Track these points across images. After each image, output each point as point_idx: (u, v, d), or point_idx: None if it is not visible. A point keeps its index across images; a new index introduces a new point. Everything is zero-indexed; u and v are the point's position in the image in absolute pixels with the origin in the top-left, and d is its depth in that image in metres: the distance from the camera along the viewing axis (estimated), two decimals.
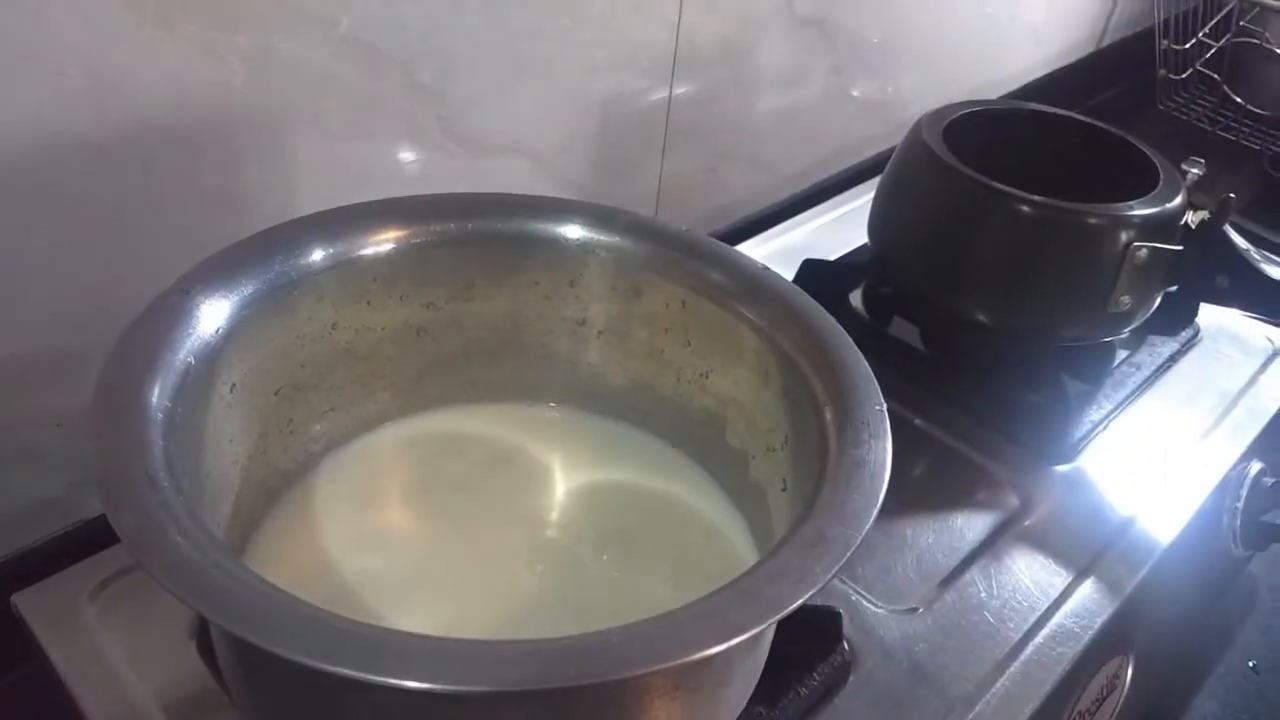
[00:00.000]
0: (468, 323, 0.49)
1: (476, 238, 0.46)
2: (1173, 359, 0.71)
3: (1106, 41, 1.42)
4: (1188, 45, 1.35)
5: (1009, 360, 0.69)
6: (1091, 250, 0.62)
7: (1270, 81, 1.33)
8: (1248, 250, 0.61)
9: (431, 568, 0.45)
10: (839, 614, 0.49)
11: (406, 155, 0.65)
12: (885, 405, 0.40)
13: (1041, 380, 0.65)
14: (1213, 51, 1.37)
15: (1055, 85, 1.34)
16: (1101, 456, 0.64)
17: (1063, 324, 0.64)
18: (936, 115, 0.69)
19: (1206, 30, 1.34)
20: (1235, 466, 0.65)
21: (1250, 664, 0.75)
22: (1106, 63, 1.42)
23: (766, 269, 0.47)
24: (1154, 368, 0.70)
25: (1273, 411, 0.69)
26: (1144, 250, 0.61)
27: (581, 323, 0.50)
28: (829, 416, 0.40)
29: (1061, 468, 0.63)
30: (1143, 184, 0.65)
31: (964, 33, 1.13)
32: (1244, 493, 0.65)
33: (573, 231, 0.48)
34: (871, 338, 0.71)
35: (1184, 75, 1.39)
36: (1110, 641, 0.55)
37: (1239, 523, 0.65)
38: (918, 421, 0.65)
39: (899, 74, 1.06)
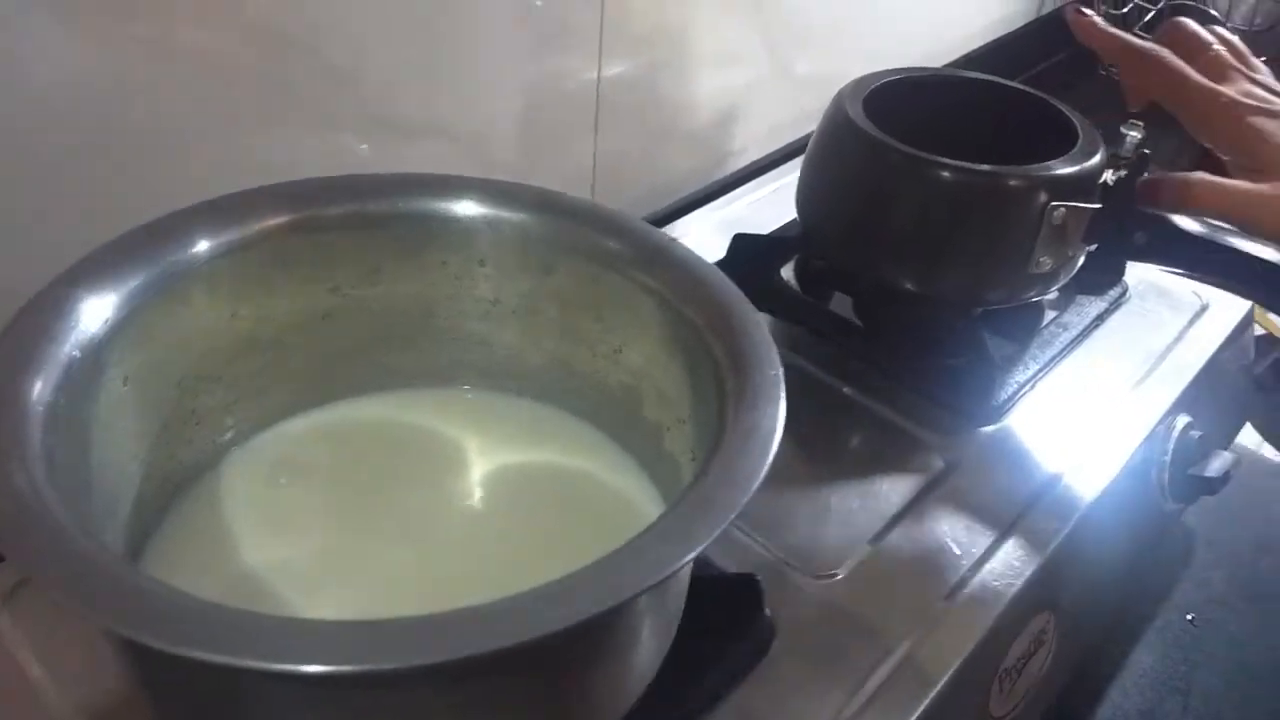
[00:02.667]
0: (377, 307, 0.48)
1: (378, 219, 0.45)
2: (1100, 318, 0.71)
3: (1047, 9, 1.42)
4: (1125, 10, 1.36)
5: (936, 326, 0.68)
6: (1009, 212, 0.61)
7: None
8: None
9: (344, 555, 0.44)
10: (758, 581, 0.49)
11: (321, 141, 0.64)
12: (781, 371, 0.39)
13: (966, 344, 0.65)
14: (1150, 15, 1.37)
15: (996, 54, 1.34)
16: (1028, 416, 0.64)
17: (985, 287, 0.64)
18: (857, 85, 0.68)
19: None
20: (1162, 421, 0.65)
21: (1188, 617, 0.75)
22: (1047, 30, 1.42)
23: (672, 240, 0.46)
24: (1081, 327, 0.70)
25: (1199, 365, 0.69)
26: (1061, 210, 0.60)
27: (494, 302, 0.49)
28: (729, 385, 0.40)
29: (987, 429, 0.63)
30: (1065, 145, 0.65)
31: (899, 5, 1.13)
32: (1171, 446, 0.64)
33: (478, 209, 0.47)
34: (802, 310, 0.70)
35: None
36: (1035, 598, 0.55)
37: (1167, 476, 0.65)
38: (846, 390, 0.65)
39: (837, 48, 1.05)
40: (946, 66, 1.26)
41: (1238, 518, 0.83)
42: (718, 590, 0.49)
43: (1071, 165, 0.62)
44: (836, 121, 0.66)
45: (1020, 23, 1.37)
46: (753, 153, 1.00)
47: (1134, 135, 1.21)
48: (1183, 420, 0.66)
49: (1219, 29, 0.60)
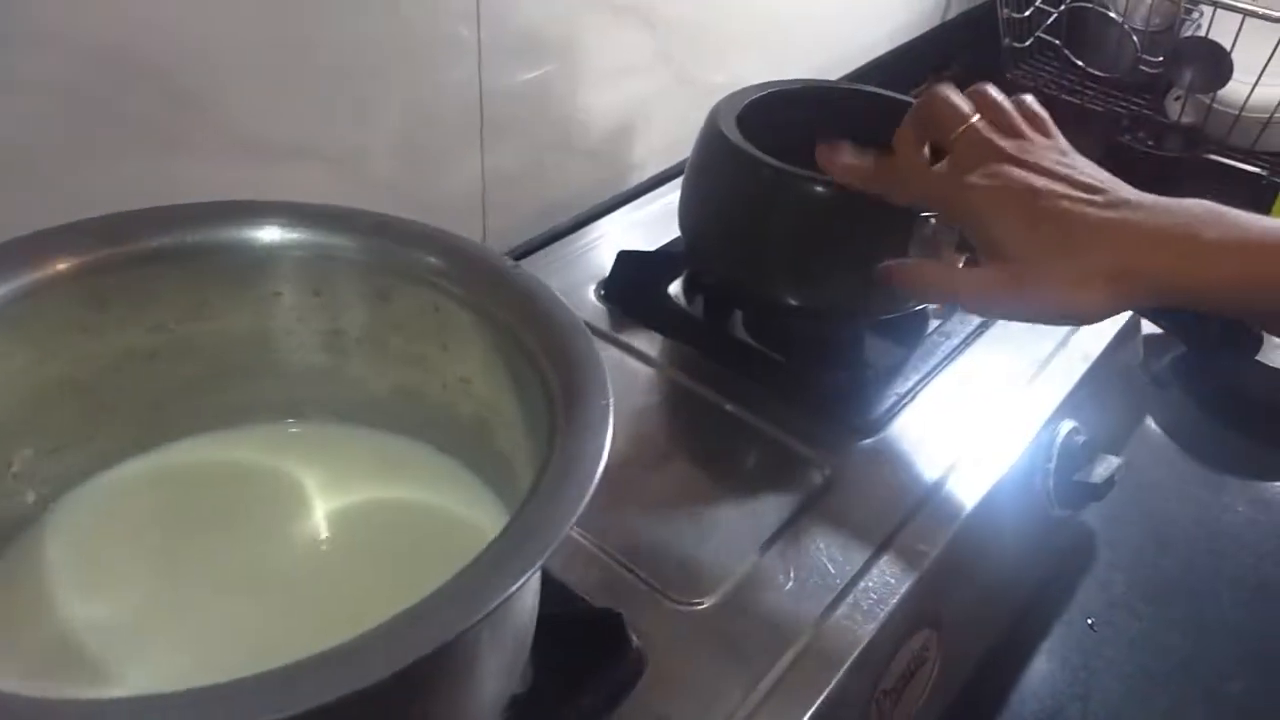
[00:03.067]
0: (207, 343, 0.46)
1: (198, 251, 0.43)
2: (986, 325, 0.71)
3: (951, 14, 1.42)
4: (1027, 13, 1.37)
5: (821, 339, 0.67)
6: (879, 224, 0.60)
7: (1107, 44, 1.35)
8: None
9: (173, 609, 0.42)
10: (618, 615, 0.47)
11: (179, 168, 0.62)
12: (611, 401, 0.38)
13: (846, 356, 0.64)
14: (1052, 18, 1.38)
15: (901, 61, 1.34)
16: (909, 427, 0.63)
17: (861, 300, 0.63)
18: (731, 100, 0.67)
19: None
20: (1045, 427, 0.65)
21: (1089, 621, 0.75)
22: (952, 35, 1.43)
23: (514, 266, 0.45)
24: (964, 335, 0.69)
25: (1083, 370, 0.69)
26: (931, 221, 0.60)
27: (335, 333, 0.47)
28: (559, 418, 0.38)
29: (867, 441, 0.62)
30: None
31: (799, 13, 1.12)
32: (1055, 453, 0.64)
33: (309, 237, 0.45)
34: (687, 327, 0.69)
35: (1027, 43, 1.40)
36: (913, 615, 0.54)
37: (1053, 483, 0.64)
38: (729, 407, 0.64)
39: (732, 58, 1.04)
40: (848, 75, 1.26)
41: (1140, 517, 0.83)
42: (578, 627, 0.47)
43: None
44: (710, 137, 0.65)
45: (925, 28, 1.38)
46: (653, 166, 0.99)
47: None
48: (1067, 426, 0.65)
49: (989, 92, 0.56)
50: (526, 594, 0.38)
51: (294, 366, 0.48)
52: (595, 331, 0.68)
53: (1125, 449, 0.85)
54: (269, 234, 0.44)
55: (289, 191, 0.67)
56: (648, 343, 0.68)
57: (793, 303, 0.64)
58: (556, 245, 0.83)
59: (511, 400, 0.43)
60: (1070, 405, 0.66)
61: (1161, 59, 1.30)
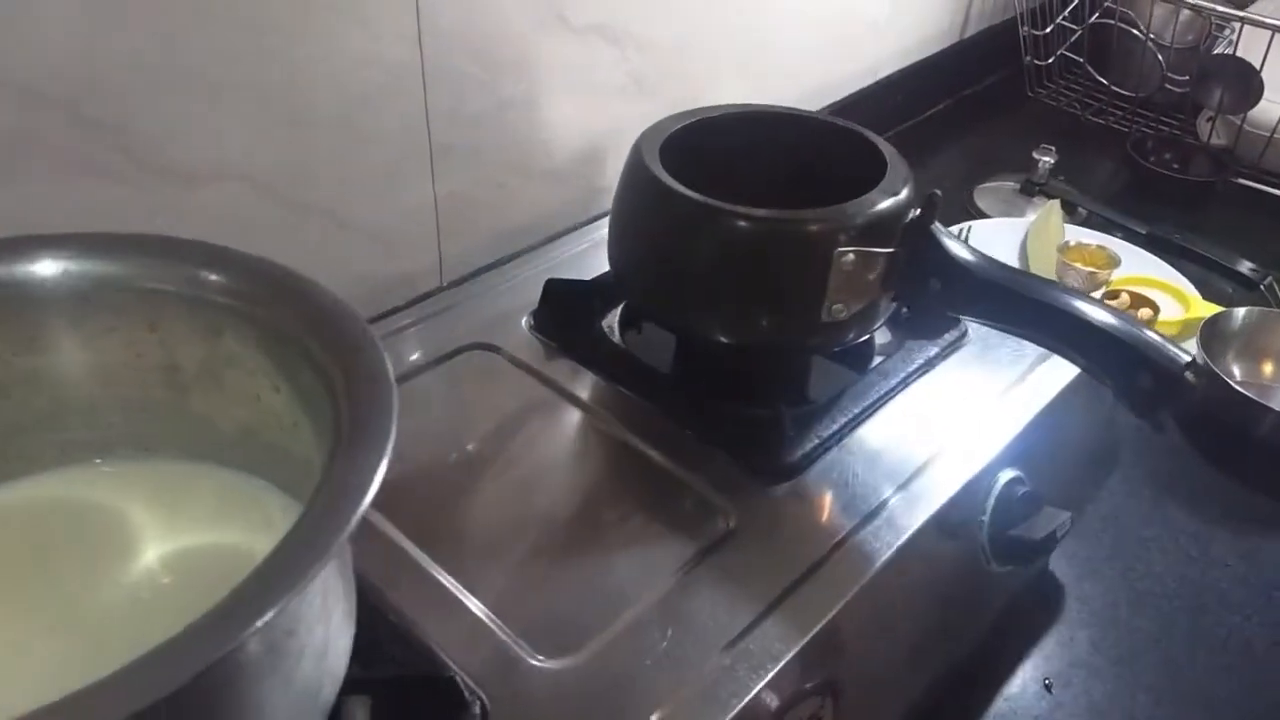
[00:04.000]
0: (46, 378, 0.44)
1: (24, 284, 0.42)
2: (929, 364, 0.66)
3: (970, 32, 1.37)
4: (1048, 30, 1.31)
5: (749, 375, 0.64)
6: (794, 258, 0.57)
7: (1132, 61, 1.29)
8: (956, 248, 0.57)
9: None
10: (452, 680, 0.45)
11: (87, 194, 0.61)
12: (394, 429, 0.36)
13: (769, 395, 0.61)
14: (1076, 36, 1.32)
15: (914, 79, 1.29)
16: (830, 473, 0.59)
17: (780, 336, 0.60)
18: (656, 129, 0.64)
19: (1066, 14, 1.30)
20: (980, 476, 0.60)
21: (1045, 681, 0.70)
22: (971, 54, 1.38)
23: (337, 301, 0.42)
24: (903, 374, 0.65)
25: (1030, 416, 0.64)
26: (850, 255, 0.56)
27: (173, 369, 0.45)
28: (344, 437, 0.36)
29: (781, 487, 0.58)
30: (880, 179, 0.61)
31: (798, 30, 1.09)
32: (990, 505, 0.60)
33: (140, 269, 0.43)
34: (613, 362, 0.66)
35: (1049, 61, 1.34)
36: (799, 682, 0.50)
37: (987, 537, 0.60)
38: (641, 445, 0.61)
39: (709, 79, 1.01)
40: (857, 94, 1.22)
41: (1116, 570, 0.78)
42: (413, 692, 0.44)
43: (865, 207, 0.57)
44: (633, 168, 0.62)
45: (939, 47, 1.33)
46: None
47: (1046, 161, 1.16)
48: (1007, 475, 0.61)
49: None
50: (302, 631, 0.35)
51: (138, 403, 0.46)
52: (516, 363, 0.66)
53: (1095, 499, 0.80)
54: (98, 266, 0.43)
55: (211, 216, 0.68)
56: (570, 376, 0.65)
57: (721, 339, 0.61)
58: (509, 267, 0.81)
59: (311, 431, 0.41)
60: (1013, 453, 0.62)
61: (1188, 78, 1.23)
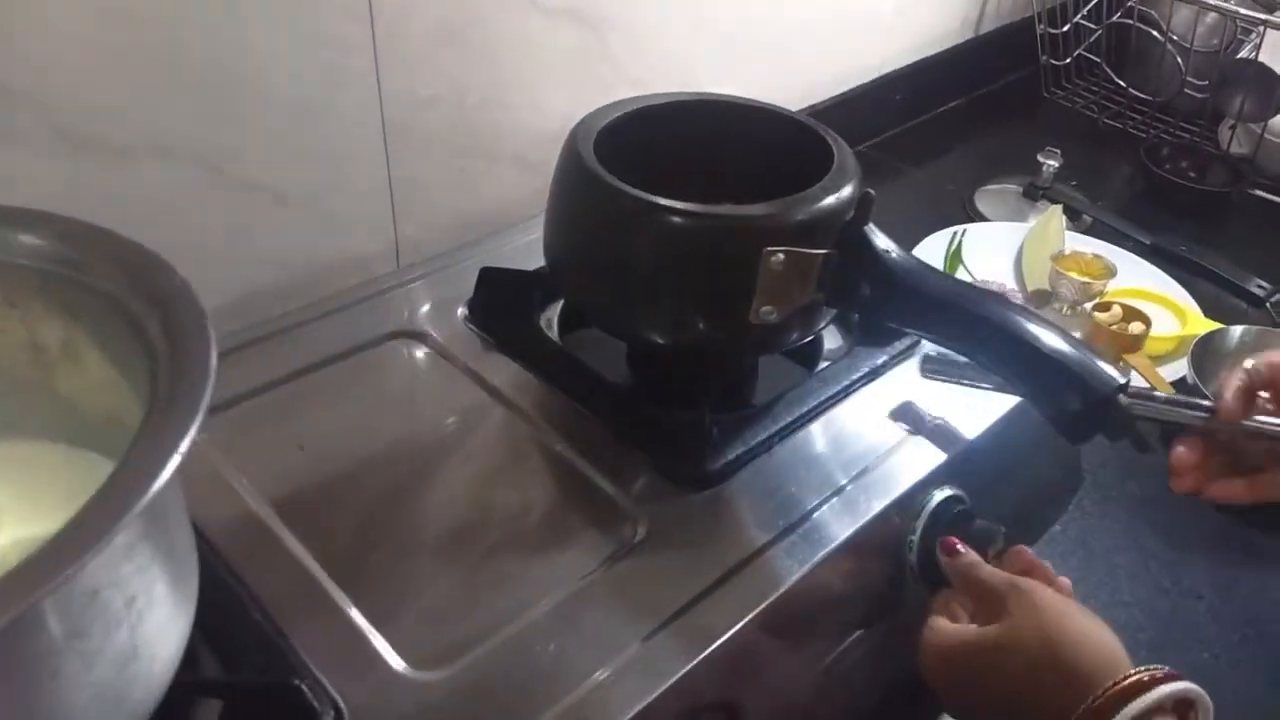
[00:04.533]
0: None
1: None
2: (875, 372, 0.63)
3: (984, 29, 1.33)
4: (1065, 29, 1.27)
5: (677, 378, 0.61)
6: (722, 256, 0.54)
7: (1156, 65, 1.23)
8: (889, 253, 0.53)
9: None
10: (299, 688, 0.42)
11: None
12: (209, 388, 0.33)
13: (698, 398, 0.58)
14: (1095, 36, 1.27)
15: (924, 76, 1.25)
16: (755, 483, 0.56)
17: (709, 337, 0.57)
18: (597, 115, 0.61)
19: (1085, 13, 1.25)
20: (911, 493, 0.57)
21: None
22: (986, 52, 1.33)
23: (156, 259, 0.40)
24: (847, 382, 0.62)
25: (975, 432, 0.60)
26: (780, 255, 0.53)
27: (38, 348, 0.44)
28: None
29: (700, 495, 0.55)
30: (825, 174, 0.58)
31: (797, 22, 1.05)
32: (921, 524, 0.56)
33: None
34: (546, 356, 0.64)
35: (1066, 61, 1.30)
36: (689, 701, 0.47)
37: (915, 557, 0.57)
38: (562, 448, 0.58)
39: (698, 70, 0.98)
40: (860, 89, 1.18)
41: (1077, 598, 0.74)
42: (263, 699, 0.42)
43: (800, 204, 0.54)
44: (567, 158, 0.59)
45: (952, 43, 1.28)
46: None
47: (1051, 164, 1.12)
48: (942, 494, 0.57)
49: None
50: (106, 601, 0.33)
51: (5, 380, 0.44)
52: (442, 354, 0.64)
53: (1063, 519, 0.76)
54: None
55: (147, 192, 0.66)
56: (497, 371, 0.63)
57: (647, 337, 0.59)
58: (469, 253, 0.78)
59: None
60: (953, 469, 0.58)
61: (1208, 83, 1.18)
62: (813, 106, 1.14)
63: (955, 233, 1.05)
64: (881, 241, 0.53)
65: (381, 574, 0.50)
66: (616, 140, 0.60)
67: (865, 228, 0.53)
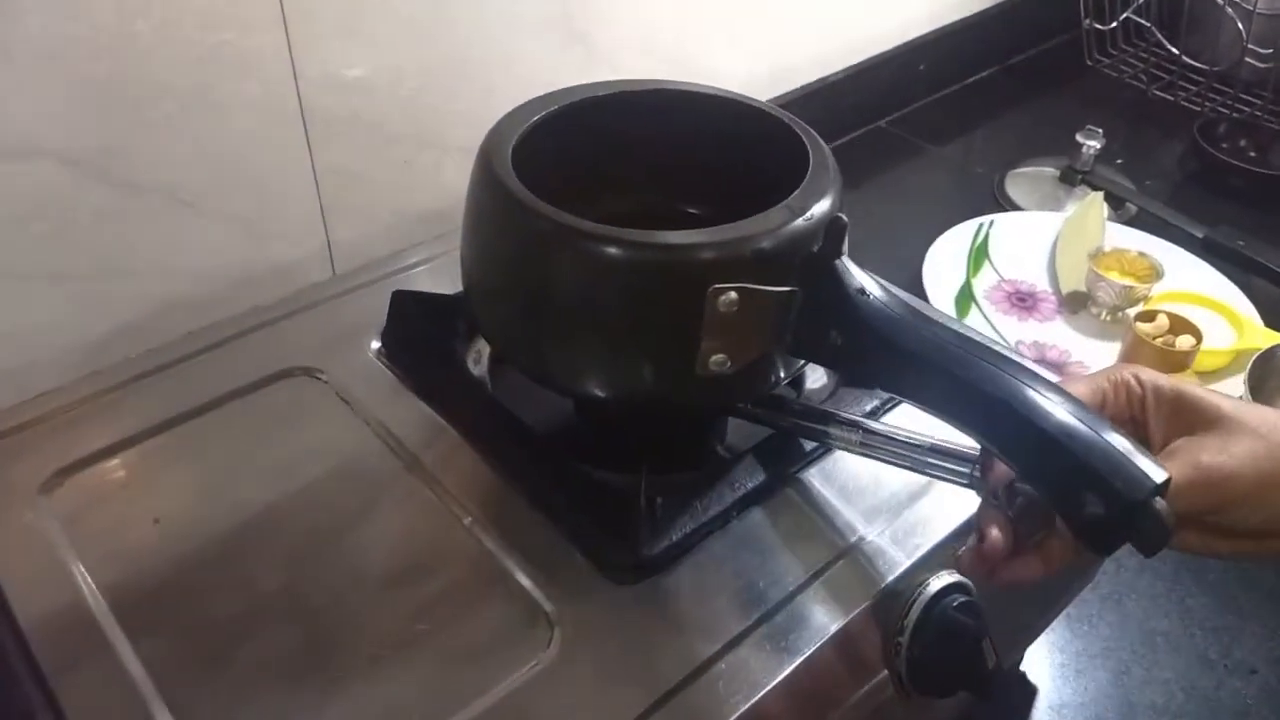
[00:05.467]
0: None
1: None
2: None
3: None
4: (1112, 26, 1.13)
5: (616, 436, 0.51)
6: (660, 296, 0.43)
7: (1213, 30, 1.10)
8: (864, 294, 0.42)
9: None
10: None
11: None
12: None
13: (638, 462, 0.48)
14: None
15: (954, 42, 1.12)
16: (702, 573, 0.45)
17: (648, 391, 0.46)
18: (521, 112, 0.51)
19: None
20: (899, 581, 0.46)
21: None
22: (1021, 15, 1.20)
23: None
24: (815, 445, 0.51)
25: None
26: (731, 294, 0.42)
27: None
28: None
29: (631, 589, 0.45)
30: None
31: None
32: (910, 623, 0.46)
33: None
34: (467, 401, 0.53)
35: (1112, 25, 1.16)
36: None
37: (904, 663, 0.46)
38: (472, 522, 0.48)
39: (687, 40, 0.86)
40: (879, 56, 1.05)
41: (1108, 672, 0.63)
42: None
43: (757, 230, 0.43)
44: (480, 169, 0.48)
45: (985, 4, 1.15)
46: None
47: (1092, 145, 0.99)
48: (939, 583, 0.47)
49: None
50: None
51: None
52: (342, 396, 0.54)
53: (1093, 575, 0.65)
54: None
55: (21, 195, 0.56)
56: (406, 420, 0.53)
57: (575, 388, 0.48)
58: (412, 257, 0.68)
59: None
60: (953, 548, 0.48)
61: (1273, 50, 1.04)
62: (825, 78, 1.02)
63: (981, 224, 0.93)
64: (856, 278, 0.42)
65: (213, 684, 0.41)
66: (549, 141, 0.50)
67: (836, 261, 0.42)
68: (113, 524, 0.47)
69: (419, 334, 0.55)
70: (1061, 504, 0.36)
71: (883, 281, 0.43)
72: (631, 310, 0.44)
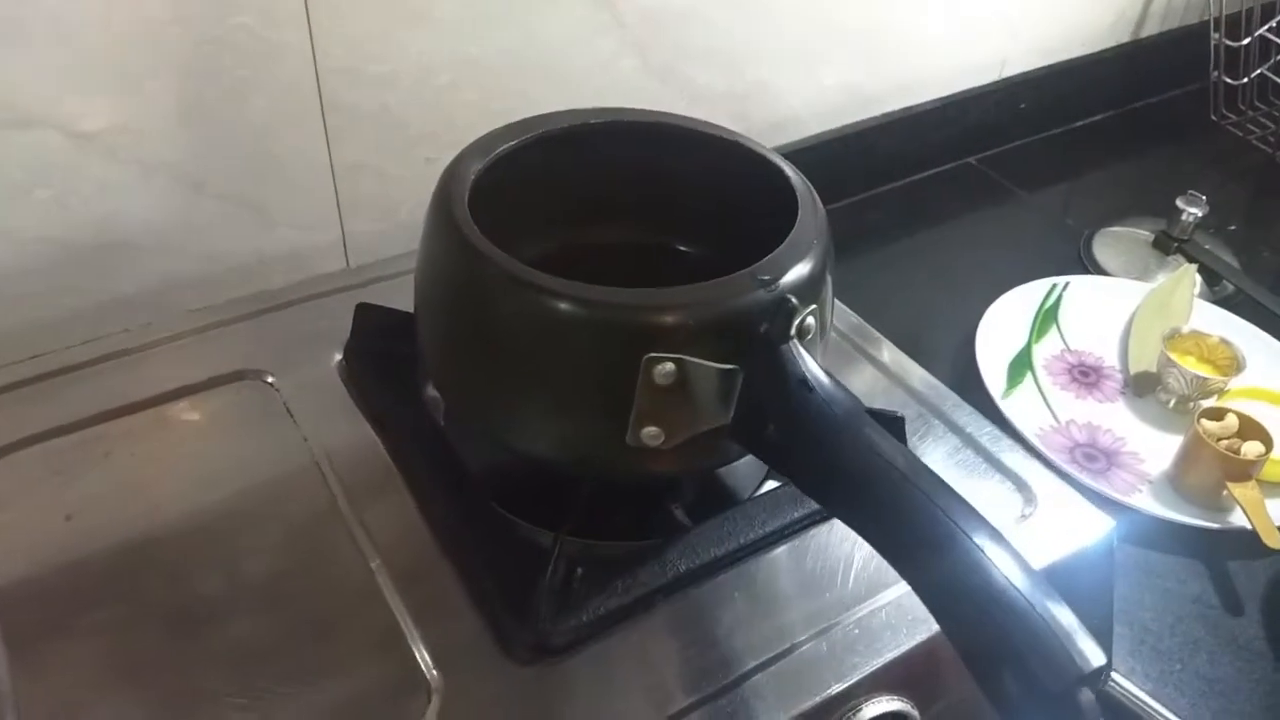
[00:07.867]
0: None
1: None
2: (810, 521, 0.46)
3: (1146, 33, 1.09)
4: (1246, 42, 1.03)
5: (549, 497, 0.47)
6: (591, 357, 0.39)
7: None
8: (807, 387, 0.36)
9: None
10: None
11: None
12: None
13: (554, 515, 0.43)
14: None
15: (1053, 83, 1.04)
16: (615, 661, 0.41)
17: (575, 456, 0.42)
18: (477, 148, 0.46)
19: (1273, 25, 1.01)
20: (830, 707, 0.41)
21: None
22: (1143, 60, 1.10)
23: None
24: (778, 524, 0.45)
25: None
26: (668, 365, 0.38)
27: None
28: None
29: (527, 670, 0.41)
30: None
31: (858, 10, 0.86)
32: None
33: None
34: (410, 433, 0.49)
35: (1242, 81, 1.05)
36: None
37: None
38: (374, 564, 0.44)
39: (756, 61, 0.81)
40: (969, 94, 0.98)
41: None
42: None
43: (708, 296, 0.38)
44: (435, 207, 0.45)
45: (1102, 45, 1.06)
46: None
47: (1193, 212, 0.90)
48: (879, 708, 0.41)
49: None
50: None
51: None
52: (287, 410, 0.51)
53: None
54: None
55: (24, 164, 0.55)
56: (349, 444, 0.49)
57: (504, 441, 0.44)
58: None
59: None
60: (902, 671, 0.42)
61: None
62: (910, 109, 0.95)
63: (1056, 285, 0.85)
64: (802, 368, 0.37)
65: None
66: (522, 171, 0.46)
67: (783, 345, 0.37)
68: (24, 515, 0.45)
69: (380, 351, 0.52)
70: (979, 678, 0.30)
71: (838, 379, 0.37)
72: (562, 366, 0.40)
